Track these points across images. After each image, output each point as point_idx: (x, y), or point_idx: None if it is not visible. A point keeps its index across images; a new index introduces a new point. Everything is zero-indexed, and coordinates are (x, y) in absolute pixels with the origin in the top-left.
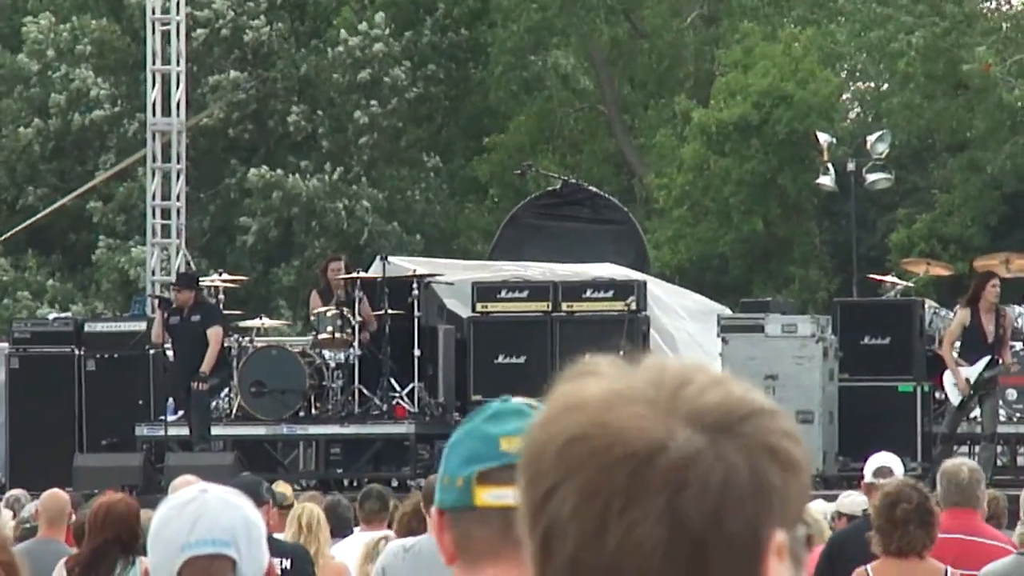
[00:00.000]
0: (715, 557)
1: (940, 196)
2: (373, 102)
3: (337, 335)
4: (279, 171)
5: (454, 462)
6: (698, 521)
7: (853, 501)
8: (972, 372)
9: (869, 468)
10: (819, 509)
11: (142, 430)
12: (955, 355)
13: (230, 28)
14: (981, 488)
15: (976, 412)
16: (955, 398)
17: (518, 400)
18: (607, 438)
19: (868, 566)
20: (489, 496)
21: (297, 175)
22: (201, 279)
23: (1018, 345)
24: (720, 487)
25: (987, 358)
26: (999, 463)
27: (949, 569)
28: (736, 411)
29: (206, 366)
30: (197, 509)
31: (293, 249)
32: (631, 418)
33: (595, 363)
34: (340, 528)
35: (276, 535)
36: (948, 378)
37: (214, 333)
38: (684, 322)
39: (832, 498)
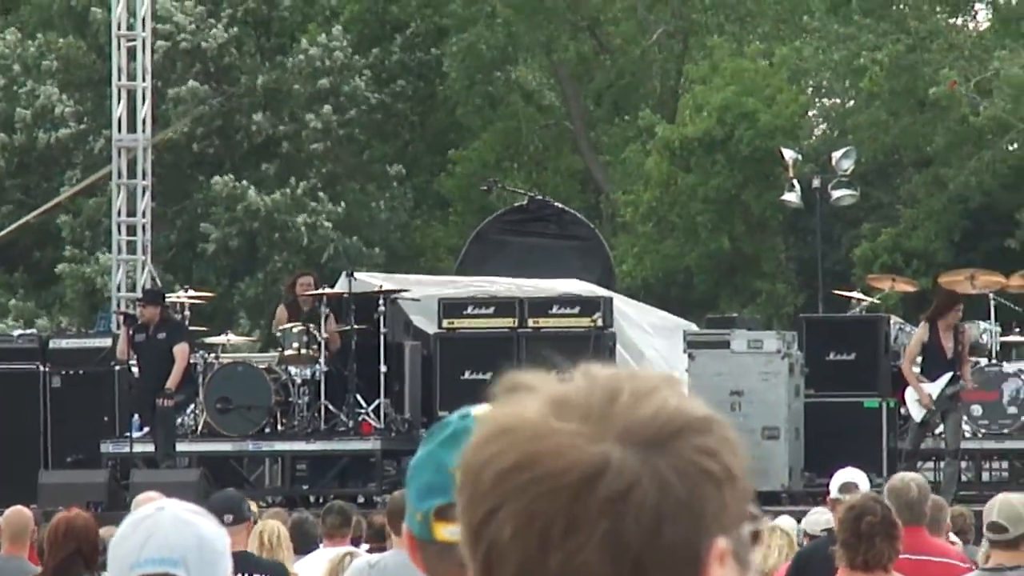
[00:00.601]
0: (655, 574)
1: (904, 211)
2: (327, 107)
3: (303, 351)
4: (243, 183)
5: (414, 493)
6: (637, 541)
7: (816, 520)
8: (934, 388)
9: (835, 484)
10: (786, 525)
11: (107, 447)
12: (916, 371)
13: (190, 42)
14: (928, 504)
15: (940, 428)
16: (917, 414)
17: (478, 414)
18: (544, 466)
19: None
20: (447, 532)
21: (254, 189)
22: (167, 295)
23: (983, 361)
24: (657, 507)
25: (949, 374)
26: (964, 479)
27: None
28: (669, 424)
29: (171, 383)
30: (150, 527)
31: (256, 262)
32: (567, 442)
33: (525, 378)
34: (306, 545)
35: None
36: (910, 394)
37: (180, 350)
38: (651, 338)
39: (798, 514)
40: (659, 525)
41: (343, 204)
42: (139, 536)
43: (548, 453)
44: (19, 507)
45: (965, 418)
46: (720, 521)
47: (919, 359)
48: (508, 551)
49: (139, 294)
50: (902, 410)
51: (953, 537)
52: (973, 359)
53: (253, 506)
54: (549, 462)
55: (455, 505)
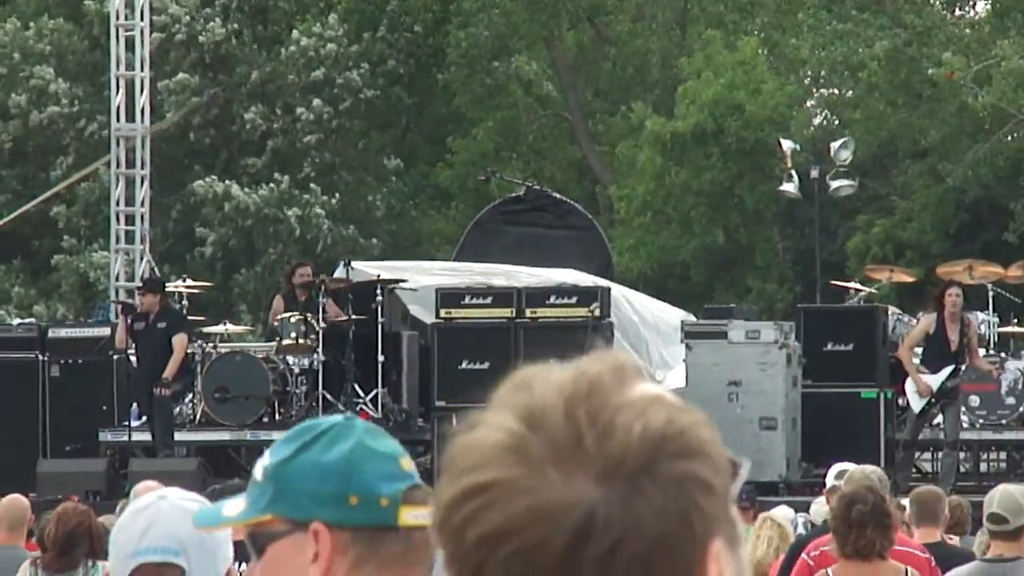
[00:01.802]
0: None
1: (899, 202)
2: (317, 100)
3: (301, 341)
4: (227, 182)
5: (367, 480)
6: None
7: (819, 510)
8: (935, 380)
9: (831, 474)
10: (783, 515)
11: (106, 436)
12: (917, 363)
13: (185, 33)
14: (888, 494)
15: (938, 419)
16: (916, 405)
17: (351, 416)
18: (530, 533)
19: (829, 568)
20: (410, 516)
21: (236, 185)
22: (166, 285)
23: (982, 351)
24: (645, 553)
25: (951, 367)
26: (961, 470)
27: (909, 569)
28: (643, 449)
29: (169, 372)
30: (150, 516)
31: (254, 255)
32: (546, 500)
33: (483, 419)
34: None
35: None
36: (910, 385)
37: (179, 340)
38: (649, 328)
39: (796, 504)
40: (648, 568)
41: (337, 195)
42: (140, 525)
43: (529, 514)
44: (16, 496)
45: (963, 408)
46: (710, 529)
47: (920, 350)
48: None
49: (137, 284)
50: (900, 400)
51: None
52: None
53: None
54: (533, 526)
55: (415, 489)
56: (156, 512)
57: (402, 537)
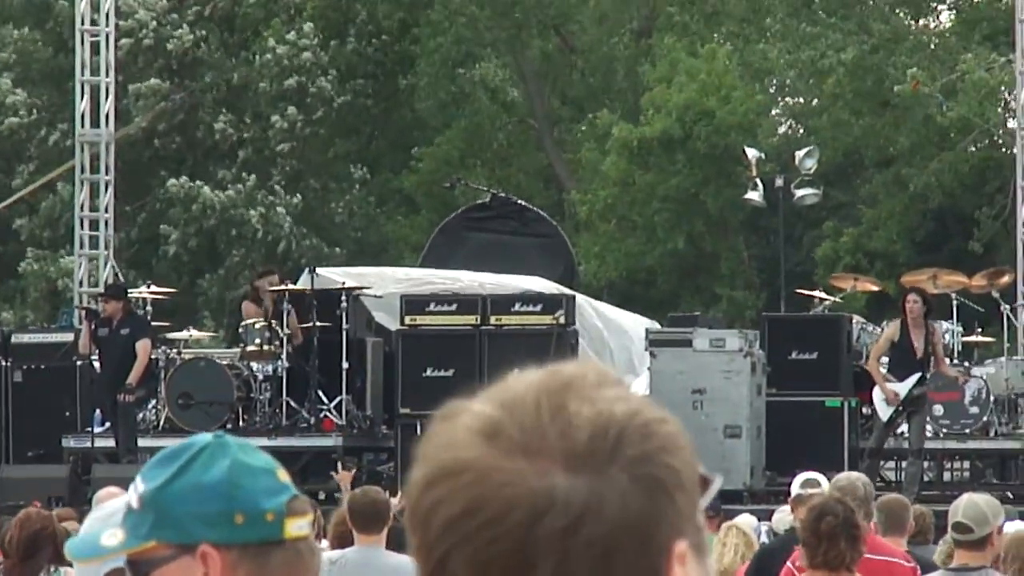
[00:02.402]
0: None
1: (866, 211)
2: (291, 109)
3: (265, 347)
4: (198, 182)
5: (250, 496)
6: (591, 572)
7: (782, 519)
8: (902, 388)
9: (796, 483)
10: (745, 524)
11: (69, 442)
12: (884, 371)
13: (153, 38)
14: (874, 502)
15: (903, 428)
16: (884, 413)
17: (219, 434)
18: (491, 510)
19: None
20: (295, 527)
21: (207, 187)
22: (129, 291)
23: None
24: (606, 537)
25: (917, 375)
26: (925, 479)
27: None
28: (608, 438)
29: (133, 378)
30: (119, 522)
31: (216, 259)
32: (510, 481)
33: (456, 407)
34: None
35: None
36: (877, 394)
37: (142, 346)
38: (613, 336)
39: (759, 512)
40: (610, 555)
41: (299, 196)
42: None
43: (492, 495)
44: None
45: (928, 418)
46: (676, 527)
47: (886, 359)
48: None
49: (101, 290)
50: (864, 409)
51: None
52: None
53: None
54: (494, 505)
55: (295, 500)
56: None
57: (288, 549)
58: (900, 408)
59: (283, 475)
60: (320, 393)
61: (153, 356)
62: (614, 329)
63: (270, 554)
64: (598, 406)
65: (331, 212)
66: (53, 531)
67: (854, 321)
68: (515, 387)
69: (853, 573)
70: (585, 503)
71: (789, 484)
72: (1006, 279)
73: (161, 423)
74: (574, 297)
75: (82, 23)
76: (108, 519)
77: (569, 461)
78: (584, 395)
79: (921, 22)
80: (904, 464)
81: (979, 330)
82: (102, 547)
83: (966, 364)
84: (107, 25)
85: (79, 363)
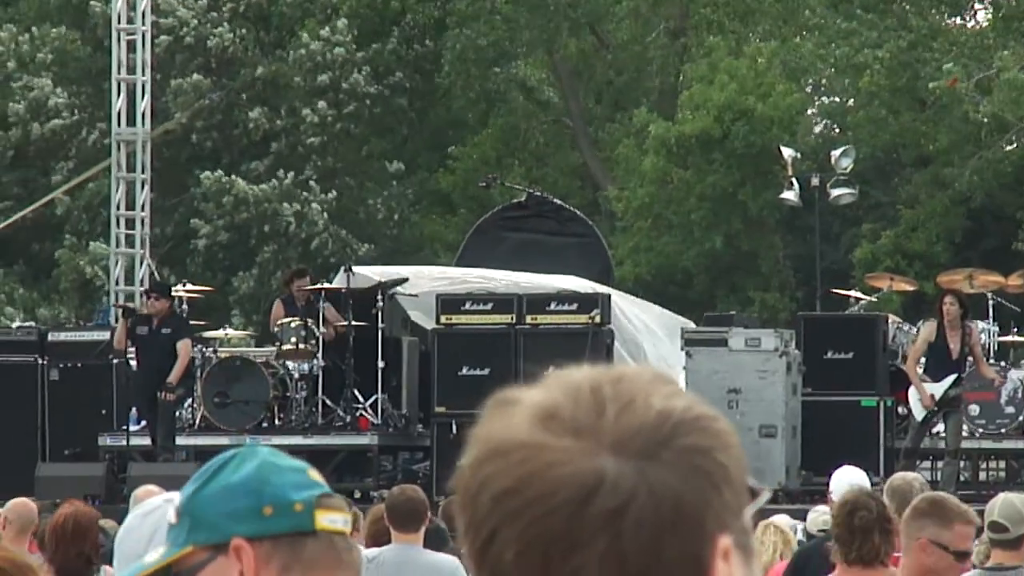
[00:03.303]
0: None
1: (905, 211)
2: (321, 103)
3: (301, 346)
4: (233, 176)
5: (279, 489)
6: (638, 556)
7: (815, 519)
8: (938, 389)
9: (835, 481)
10: (783, 523)
11: (104, 440)
12: (920, 371)
13: (193, 36)
14: None
15: (939, 428)
16: (919, 413)
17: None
18: (540, 487)
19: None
20: (326, 520)
21: (242, 180)
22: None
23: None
24: (655, 520)
25: (953, 375)
26: (961, 478)
27: None
28: (660, 429)
29: (174, 377)
30: (157, 520)
31: (249, 256)
32: (559, 460)
33: (513, 393)
34: None
35: None
36: (913, 394)
37: (184, 346)
38: (649, 335)
39: (795, 512)
40: (659, 538)
41: (334, 192)
42: (147, 528)
43: (541, 473)
44: (23, 499)
45: (963, 418)
46: (721, 520)
47: (922, 360)
48: (512, 573)
49: (136, 287)
50: (900, 408)
51: None
52: (970, 358)
53: None
54: (543, 483)
55: (327, 496)
56: (164, 515)
57: (322, 540)
58: (936, 408)
59: (314, 475)
60: (356, 392)
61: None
62: (645, 331)
63: (303, 545)
64: (654, 398)
65: (367, 209)
66: (96, 531)
67: (890, 321)
68: (573, 376)
69: (888, 567)
70: (634, 486)
71: (825, 484)
72: None
73: (197, 422)
74: (609, 296)
75: (118, 22)
76: (146, 517)
77: (621, 445)
78: (641, 387)
79: (958, 20)
80: (940, 464)
81: (1015, 330)
82: (145, 564)
83: (1002, 364)
84: (143, 24)
85: (115, 361)
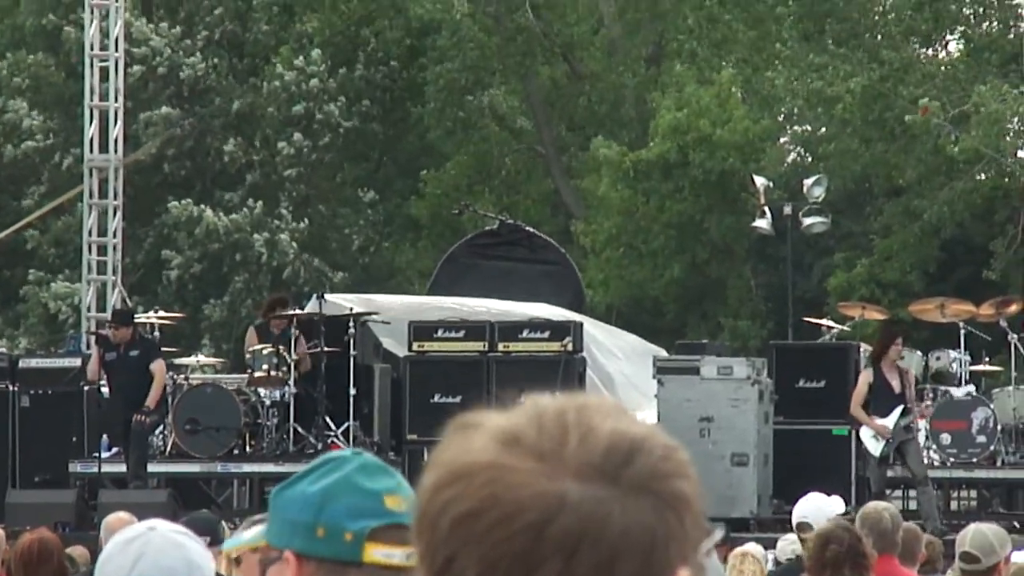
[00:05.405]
0: None
1: (878, 242)
2: (297, 135)
3: (272, 373)
4: (201, 205)
5: (337, 513)
6: None
7: (783, 548)
8: (889, 421)
9: (799, 510)
10: (756, 552)
11: (75, 467)
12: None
13: (167, 66)
14: (900, 533)
15: (900, 460)
16: (875, 450)
17: (359, 451)
18: (503, 508)
19: None
20: (378, 554)
21: (211, 209)
22: (136, 316)
23: (953, 390)
24: (613, 544)
25: (900, 407)
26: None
27: None
28: (620, 452)
29: (151, 400)
30: (139, 548)
31: (221, 285)
32: (524, 482)
33: (473, 417)
34: None
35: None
36: (865, 432)
37: (158, 367)
38: (621, 363)
39: (766, 541)
40: (614, 563)
41: (305, 221)
42: (129, 556)
43: (504, 496)
44: None
45: (935, 447)
46: (680, 550)
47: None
48: None
49: (108, 315)
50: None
51: None
52: (942, 387)
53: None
54: (505, 505)
55: (387, 528)
56: (146, 543)
57: (367, 574)
58: (890, 440)
59: (392, 502)
60: (327, 419)
61: None
62: (617, 358)
63: (346, 574)
64: (619, 424)
65: (340, 238)
66: (62, 557)
67: (861, 349)
68: (537, 403)
69: None
70: (594, 510)
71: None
72: (1014, 308)
73: (168, 448)
74: (582, 324)
75: (91, 48)
76: (128, 544)
77: (583, 469)
78: (605, 414)
79: (930, 51)
80: (915, 494)
81: (987, 359)
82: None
83: (972, 393)
84: (116, 51)
85: (86, 388)
